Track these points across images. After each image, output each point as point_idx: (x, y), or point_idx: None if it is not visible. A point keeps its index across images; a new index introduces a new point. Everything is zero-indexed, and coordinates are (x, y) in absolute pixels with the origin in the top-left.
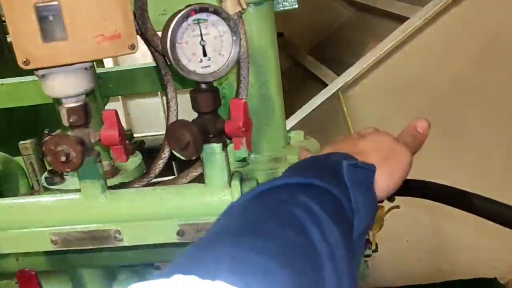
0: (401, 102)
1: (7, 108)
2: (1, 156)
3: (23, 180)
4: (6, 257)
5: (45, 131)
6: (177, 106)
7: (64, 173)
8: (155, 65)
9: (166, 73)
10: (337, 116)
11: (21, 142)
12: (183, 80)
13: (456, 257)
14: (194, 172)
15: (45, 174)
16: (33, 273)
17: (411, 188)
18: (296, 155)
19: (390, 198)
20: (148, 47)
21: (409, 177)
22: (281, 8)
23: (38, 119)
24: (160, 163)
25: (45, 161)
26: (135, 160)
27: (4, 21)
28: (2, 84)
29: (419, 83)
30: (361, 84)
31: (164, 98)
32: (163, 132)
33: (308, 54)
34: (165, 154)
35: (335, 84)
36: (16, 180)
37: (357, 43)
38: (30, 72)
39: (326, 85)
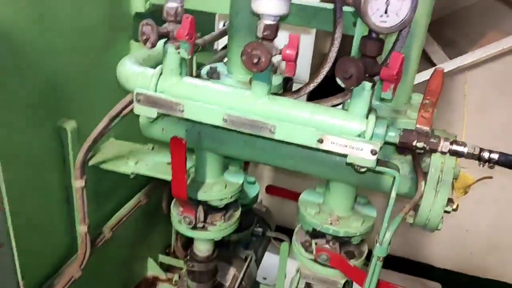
0: (507, 98)
1: None
2: None
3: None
4: (155, 125)
5: None
6: (339, 44)
7: (221, 73)
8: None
9: (340, 16)
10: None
11: None
12: None
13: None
14: (335, 101)
15: (207, 68)
16: (184, 142)
17: None
18: (415, 112)
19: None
20: None
21: None
22: None
23: None
24: (311, 85)
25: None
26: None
27: None
28: None
29: None
30: (472, 72)
31: None
32: None
33: None
34: (318, 78)
35: (446, 66)
36: None
37: (477, 30)
38: None
39: (432, 62)
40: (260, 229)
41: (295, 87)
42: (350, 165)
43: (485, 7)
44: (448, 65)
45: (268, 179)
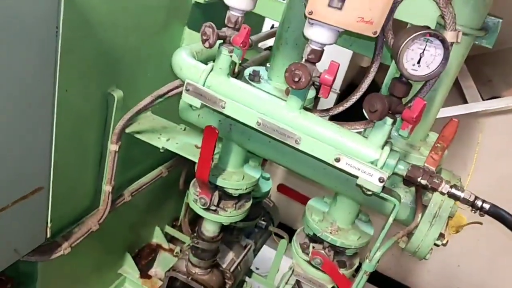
0: None
1: None
2: None
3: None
4: (192, 111)
5: None
6: (372, 77)
7: (261, 77)
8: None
9: (379, 54)
10: (461, 136)
11: None
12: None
13: None
14: (358, 127)
15: (250, 71)
16: (217, 131)
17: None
18: (428, 150)
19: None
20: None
21: None
22: (478, 43)
23: None
24: (340, 108)
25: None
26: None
27: None
28: None
29: None
30: (495, 117)
31: None
32: None
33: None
34: (347, 104)
35: (477, 105)
36: None
37: None
38: None
39: (463, 97)
40: (264, 223)
41: None
42: (359, 186)
43: None
44: (475, 106)
45: (280, 178)
